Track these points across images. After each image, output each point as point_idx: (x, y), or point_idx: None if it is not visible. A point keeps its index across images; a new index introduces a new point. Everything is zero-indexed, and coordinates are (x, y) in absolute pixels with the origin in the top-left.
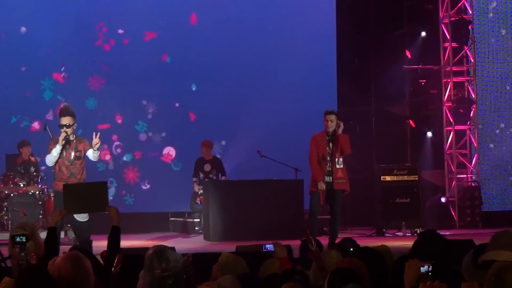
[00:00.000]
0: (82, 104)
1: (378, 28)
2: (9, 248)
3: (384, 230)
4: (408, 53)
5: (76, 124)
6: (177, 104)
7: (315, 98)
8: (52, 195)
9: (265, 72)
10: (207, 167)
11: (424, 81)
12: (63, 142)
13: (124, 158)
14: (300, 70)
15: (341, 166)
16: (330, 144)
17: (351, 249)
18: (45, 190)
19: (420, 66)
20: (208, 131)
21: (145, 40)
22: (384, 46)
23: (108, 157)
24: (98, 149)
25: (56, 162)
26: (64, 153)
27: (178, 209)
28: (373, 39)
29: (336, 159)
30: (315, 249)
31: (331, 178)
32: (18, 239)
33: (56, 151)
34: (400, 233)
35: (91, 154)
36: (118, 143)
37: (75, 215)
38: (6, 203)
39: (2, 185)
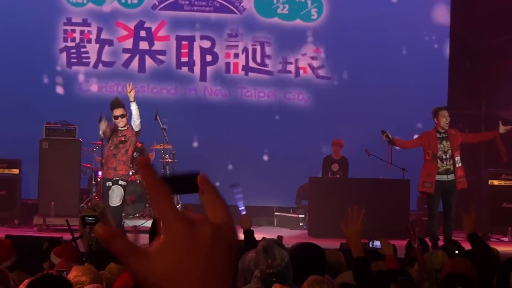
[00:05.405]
0: None
1: (492, 31)
2: (80, 228)
3: (489, 234)
4: None
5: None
6: None
7: (425, 99)
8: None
9: (374, 72)
10: (335, 167)
11: None
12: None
13: None
14: (410, 71)
15: (460, 164)
16: (444, 142)
17: (456, 251)
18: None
19: None
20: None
21: None
22: (496, 50)
23: None
24: (134, 99)
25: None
26: (112, 140)
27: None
28: (486, 42)
29: (456, 157)
30: (418, 247)
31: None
32: (87, 220)
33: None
34: (505, 239)
35: (133, 108)
36: None
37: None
38: None
39: None
